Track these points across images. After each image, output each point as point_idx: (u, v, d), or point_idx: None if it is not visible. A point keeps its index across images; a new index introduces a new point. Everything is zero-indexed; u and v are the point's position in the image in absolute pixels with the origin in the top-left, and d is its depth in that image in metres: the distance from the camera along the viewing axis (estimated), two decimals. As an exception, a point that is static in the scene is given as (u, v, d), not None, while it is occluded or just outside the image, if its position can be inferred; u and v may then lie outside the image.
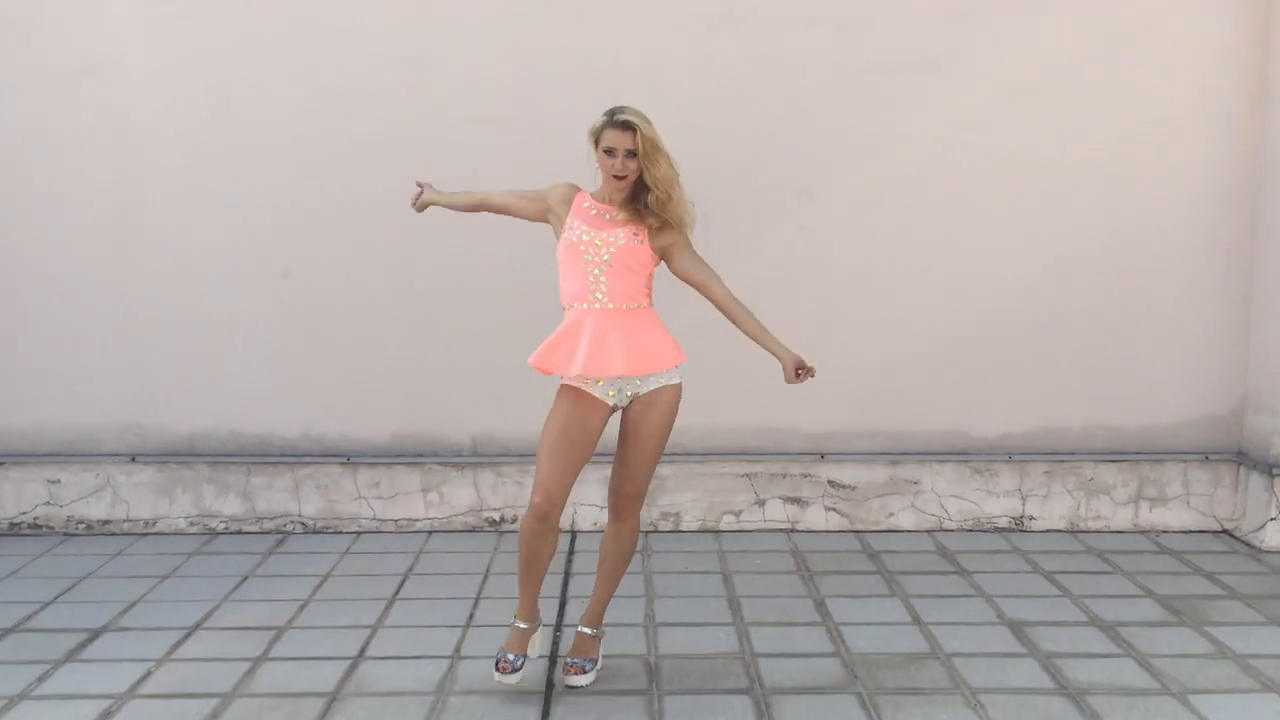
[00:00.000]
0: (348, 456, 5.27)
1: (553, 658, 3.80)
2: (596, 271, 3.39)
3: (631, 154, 3.35)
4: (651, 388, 3.44)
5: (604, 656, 3.74)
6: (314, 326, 5.21)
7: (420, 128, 5.09)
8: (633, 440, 3.46)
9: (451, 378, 5.23)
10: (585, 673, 3.55)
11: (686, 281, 3.51)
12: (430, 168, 5.06)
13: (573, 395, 3.42)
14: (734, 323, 3.51)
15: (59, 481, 5.27)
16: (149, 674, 3.67)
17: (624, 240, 3.39)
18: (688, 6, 5.07)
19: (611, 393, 3.42)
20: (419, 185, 3.87)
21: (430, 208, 3.86)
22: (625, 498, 3.51)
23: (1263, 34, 5.06)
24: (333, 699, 3.48)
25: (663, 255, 3.48)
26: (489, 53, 5.08)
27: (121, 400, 5.25)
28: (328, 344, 5.22)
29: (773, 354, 3.51)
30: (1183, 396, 5.27)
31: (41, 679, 3.63)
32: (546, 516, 3.38)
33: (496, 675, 3.43)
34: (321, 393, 5.25)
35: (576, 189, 3.52)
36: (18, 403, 5.24)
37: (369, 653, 3.85)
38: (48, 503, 5.28)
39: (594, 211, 3.46)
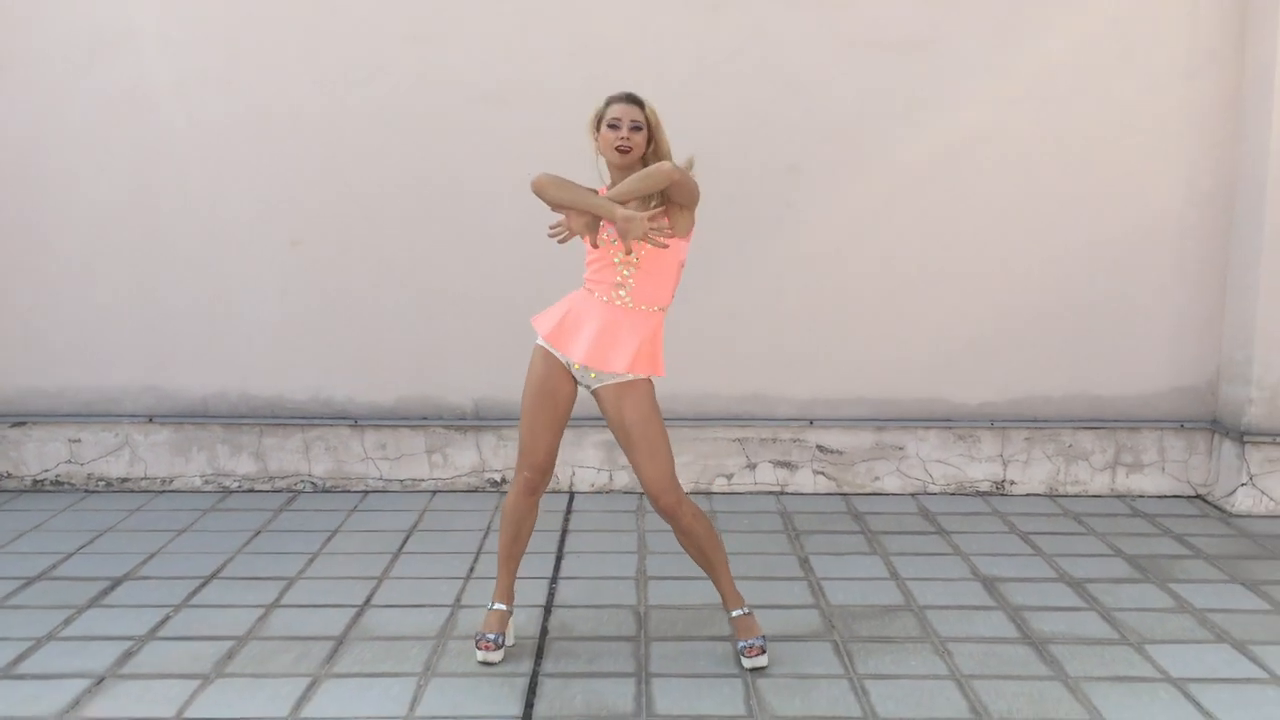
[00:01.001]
0: (355, 419, 5.50)
1: (547, 607, 4.02)
2: (626, 272, 3.39)
3: (636, 126, 3.32)
4: (618, 381, 3.42)
5: (597, 606, 3.97)
6: (324, 294, 5.42)
7: (425, 106, 5.27)
8: (624, 439, 3.45)
9: (455, 344, 5.44)
10: (763, 651, 3.50)
11: (683, 203, 3.37)
12: (435, 145, 5.30)
13: (544, 358, 3.46)
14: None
15: (80, 441, 5.51)
16: (167, 619, 3.91)
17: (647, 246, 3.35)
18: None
19: (577, 366, 3.43)
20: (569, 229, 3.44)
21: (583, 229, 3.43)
22: (664, 495, 3.44)
23: (1239, 39, 5.21)
24: (340, 642, 3.71)
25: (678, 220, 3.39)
26: (493, 32, 5.24)
27: (139, 364, 5.47)
28: (337, 311, 5.43)
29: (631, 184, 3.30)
30: (1160, 367, 5.45)
31: (67, 622, 3.87)
32: (535, 489, 3.50)
33: (480, 653, 3.50)
34: (330, 358, 5.46)
35: (596, 190, 3.42)
36: (40, 366, 5.47)
37: (374, 601, 4.08)
38: (69, 461, 5.52)
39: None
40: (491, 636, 3.54)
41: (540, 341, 3.48)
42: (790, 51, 5.23)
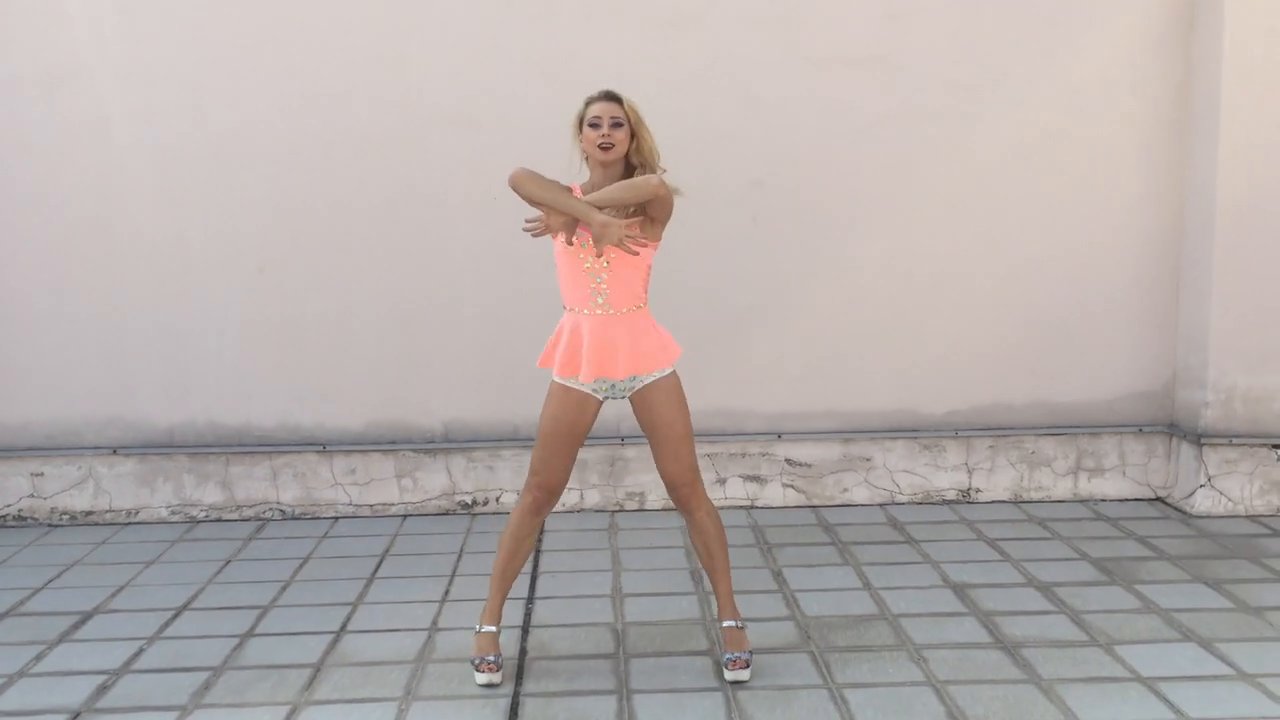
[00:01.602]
0: (324, 445, 5.47)
1: (524, 628, 4.03)
2: (597, 279, 3.41)
3: (617, 123, 3.34)
4: (646, 382, 3.50)
5: (574, 625, 3.99)
6: (289, 320, 5.40)
7: (390, 128, 5.28)
8: (655, 433, 3.53)
9: (424, 367, 5.44)
10: (747, 665, 3.53)
11: (655, 216, 3.43)
12: (400, 167, 5.31)
13: (563, 392, 3.50)
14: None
15: (42, 474, 5.44)
16: (141, 651, 3.87)
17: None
18: (647, 5, 5.28)
19: (604, 388, 3.50)
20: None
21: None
22: (682, 488, 3.54)
23: (1186, 52, 5.35)
24: (318, 669, 3.70)
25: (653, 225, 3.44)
26: (457, 53, 5.27)
27: (102, 395, 5.41)
28: (303, 336, 5.41)
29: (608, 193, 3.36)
30: (1118, 374, 5.56)
31: (38, 658, 3.82)
32: (541, 510, 3.54)
33: (482, 676, 3.50)
34: (298, 383, 5.44)
35: (569, 186, 3.44)
36: (0, 399, 5.39)
37: (350, 627, 4.07)
38: (31, 495, 5.44)
39: None
40: (491, 659, 3.54)
41: (559, 379, 3.51)
42: (753, 69, 5.31)
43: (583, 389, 3.50)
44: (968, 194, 5.44)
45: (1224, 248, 5.21)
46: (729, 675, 3.53)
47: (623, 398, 3.55)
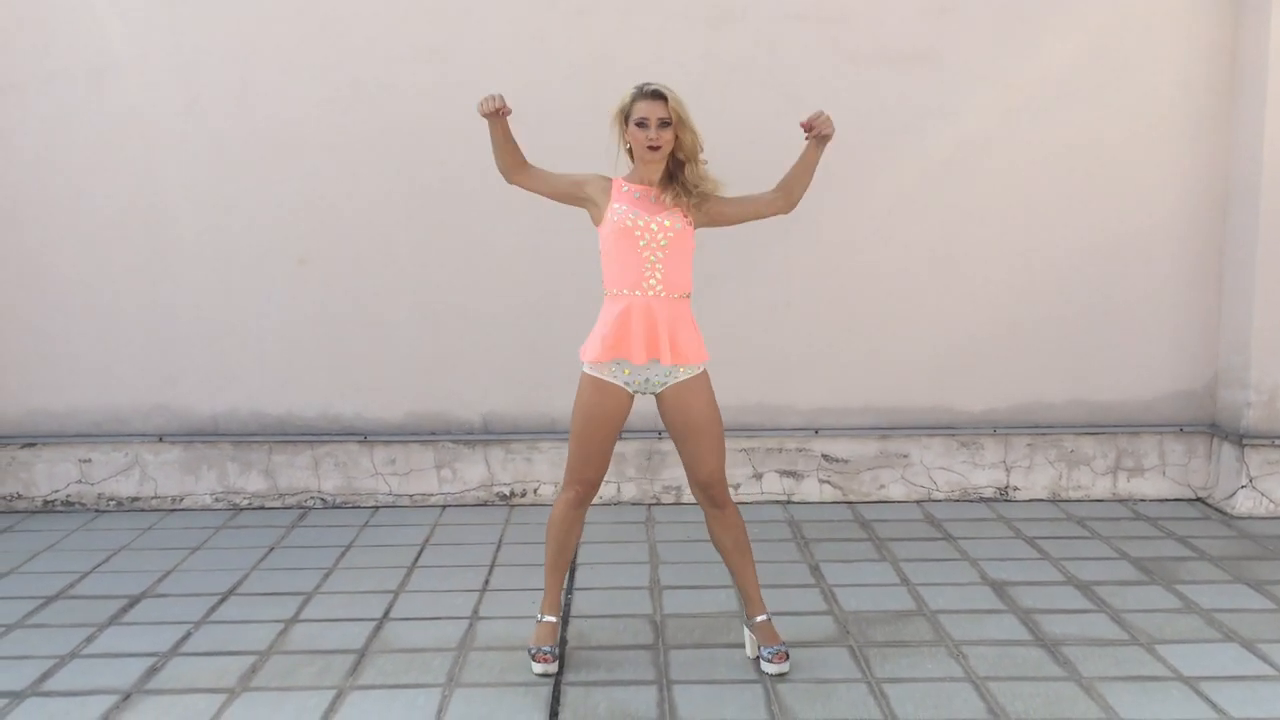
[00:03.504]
0: (364, 435, 5.54)
1: (564, 618, 4.06)
2: (654, 257, 3.41)
3: (664, 123, 3.34)
4: (680, 378, 3.49)
5: (613, 616, 4.02)
6: (330, 311, 5.46)
7: (432, 122, 5.32)
8: (688, 432, 3.51)
9: (462, 359, 5.49)
10: (787, 658, 3.55)
11: (746, 220, 3.61)
12: (441, 161, 5.35)
13: (595, 384, 3.49)
14: (798, 193, 3.66)
15: (90, 461, 5.54)
16: (189, 635, 3.94)
17: (680, 225, 3.41)
18: (687, 2, 5.30)
19: (637, 381, 3.48)
20: (501, 103, 3.53)
21: (493, 120, 3.59)
22: (717, 485, 3.54)
23: (1233, 46, 5.32)
24: (362, 655, 3.75)
25: (712, 222, 3.52)
26: (499, 47, 5.31)
27: (148, 383, 5.51)
28: (344, 328, 5.47)
29: (809, 154, 3.62)
30: (1159, 373, 5.53)
31: (89, 640, 3.90)
32: (584, 502, 3.56)
33: (537, 666, 3.54)
34: (339, 375, 5.50)
35: (609, 179, 3.50)
36: (49, 387, 5.49)
37: (393, 614, 4.12)
38: (79, 481, 5.54)
39: (637, 195, 3.44)
40: (547, 649, 3.58)
41: (586, 369, 3.50)
42: (793, 65, 5.31)
43: (614, 382, 3.49)
44: (1009, 190, 5.42)
45: (1267, 246, 5.16)
46: (773, 669, 3.54)
47: (653, 393, 3.53)
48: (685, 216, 3.44)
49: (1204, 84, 5.35)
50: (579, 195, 3.53)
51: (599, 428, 3.51)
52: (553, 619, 3.65)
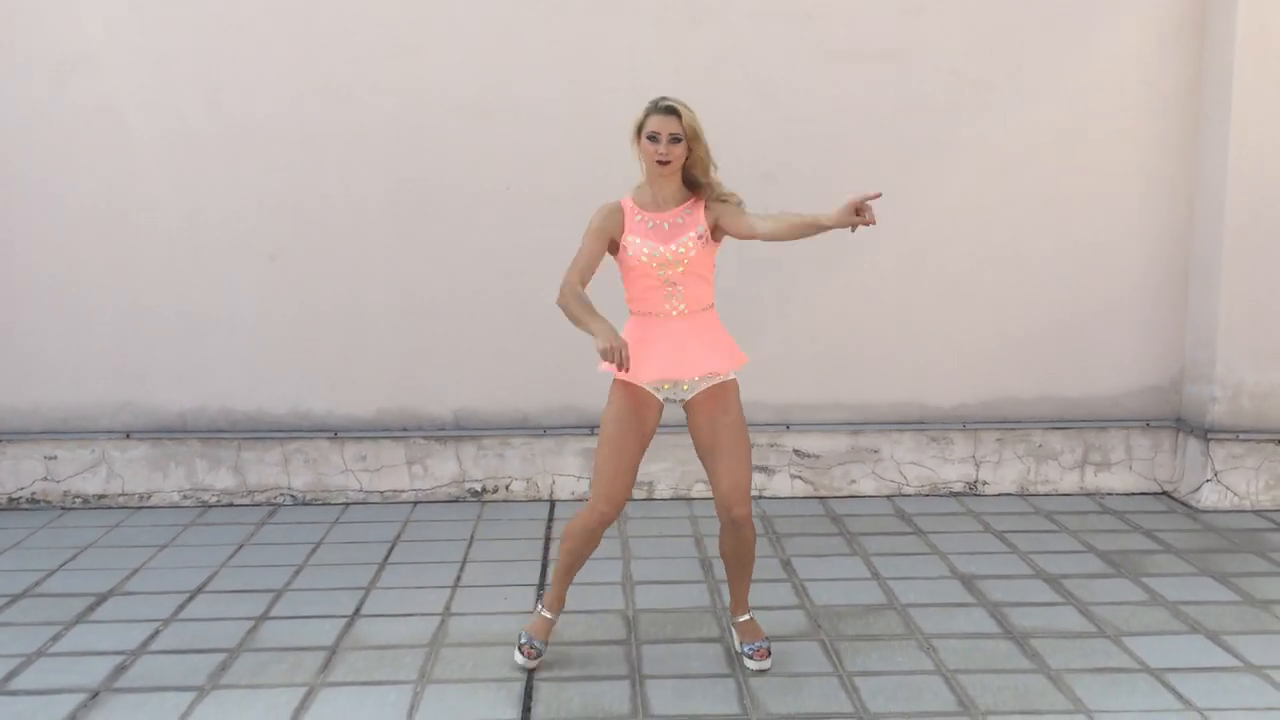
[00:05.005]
0: (335, 431, 5.50)
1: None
2: (670, 287, 3.42)
3: (675, 139, 3.34)
4: (712, 384, 3.48)
5: (586, 612, 4.02)
6: (301, 307, 5.42)
7: (404, 118, 5.29)
8: (718, 443, 3.46)
9: (434, 355, 5.47)
10: (769, 654, 3.58)
11: (751, 238, 3.48)
12: (413, 157, 5.33)
13: (627, 391, 3.46)
14: (788, 236, 3.41)
15: (55, 458, 5.47)
16: (157, 632, 3.91)
17: (694, 250, 3.40)
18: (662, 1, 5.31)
19: (666, 385, 3.48)
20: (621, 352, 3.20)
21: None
22: (734, 508, 3.48)
23: (1198, 50, 5.37)
24: (333, 652, 3.73)
25: (717, 228, 3.46)
26: (472, 44, 5.28)
27: (115, 380, 5.45)
28: (315, 324, 5.43)
29: (831, 225, 3.35)
30: (1126, 369, 5.59)
31: (55, 638, 3.86)
32: (609, 523, 3.49)
33: (521, 659, 3.56)
34: (309, 370, 5.47)
35: (617, 205, 3.48)
36: (15, 383, 5.42)
37: (364, 611, 4.11)
38: (45, 478, 5.48)
39: (650, 224, 3.43)
40: (538, 644, 3.58)
41: (622, 377, 3.44)
42: (767, 63, 5.32)
43: (645, 387, 3.47)
44: (979, 188, 5.45)
45: (1232, 244, 5.23)
46: (755, 665, 3.56)
47: (681, 400, 3.51)
48: (700, 236, 3.41)
49: (1172, 85, 5.40)
50: (606, 248, 3.47)
51: (631, 434, 3.44)
52: (550, 616, 3.65)
